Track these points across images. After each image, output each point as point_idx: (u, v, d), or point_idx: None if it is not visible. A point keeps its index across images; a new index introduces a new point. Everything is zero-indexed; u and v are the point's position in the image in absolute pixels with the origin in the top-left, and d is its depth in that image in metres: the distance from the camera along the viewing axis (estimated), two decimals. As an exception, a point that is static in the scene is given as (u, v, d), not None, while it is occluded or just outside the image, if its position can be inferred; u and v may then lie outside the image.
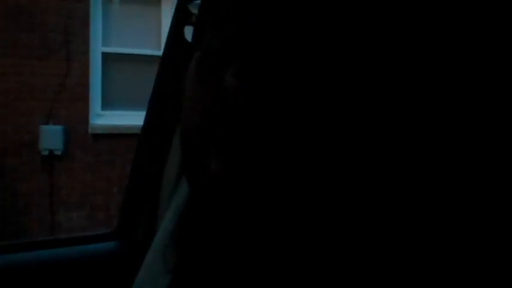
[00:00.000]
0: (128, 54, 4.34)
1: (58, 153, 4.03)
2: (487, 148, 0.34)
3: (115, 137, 4.17)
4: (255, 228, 0.37)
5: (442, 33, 0.34)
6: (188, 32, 0.41)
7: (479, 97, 0.34)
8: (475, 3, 0.34)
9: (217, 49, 0.35)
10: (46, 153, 3.99)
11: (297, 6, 0.33)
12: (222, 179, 0.34)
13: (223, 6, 0.35)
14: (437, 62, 0.34)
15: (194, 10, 0.39)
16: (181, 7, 0.38)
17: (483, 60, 0.34)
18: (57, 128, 4.02)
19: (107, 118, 4.27)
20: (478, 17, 0.34)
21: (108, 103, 4.32)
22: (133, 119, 3.97)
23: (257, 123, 0.33)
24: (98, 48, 4.24)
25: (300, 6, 0.33)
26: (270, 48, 0.33)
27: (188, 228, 0.44)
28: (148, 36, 4.37)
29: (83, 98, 4.13)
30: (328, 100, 0.33)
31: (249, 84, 0.33)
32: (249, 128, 0.33)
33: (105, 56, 4.30)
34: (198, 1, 0.39)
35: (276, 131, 0.33)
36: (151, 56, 4.21)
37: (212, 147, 0.34)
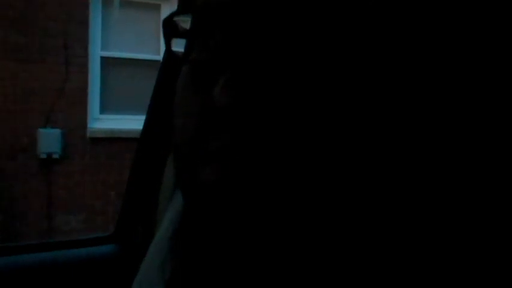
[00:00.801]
0: (127, 59, 4.34)
1: (56, 156, 4.02)
2: (487, 148, 0.34)
3: (113, 141, 4.16)
4: (250, 238, 0.37)
5: (442, 34, 0.34)
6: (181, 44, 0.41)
7: (479, 97, 0.34)
8: (475, 3, 0.34)
9: (206, 62, 0.35)
10: (44, 156, 3.98)
11: (288, 17, 0.33)
12: (214, 190, 0.34)
13: (212, 20, 0.35)
14: (438, 62, 0.34)
15: (186, 21, 0.39)
16: (168, 20, 0.38)
17: (483, 60, 0.34)
18: (55, 132, 4.01)
19: (105, 122, 4.26)
20: (478, 17, 0.34)
21: (106, 107, 4.31)
22: (132, 123, 3.97)
23: (247, 135, 0.33)
24: (96, 52, 4.24)
25: (292, 17, 0.34)
26: (259, 60, 0.33)
27: (184, 237, 0.44)
28: (148, 41, 4.37)
29: (82, 102, 4.13)
30: (320, 108, 0.33)
31: (237, 97, 0.33)
32: (240, 140, 0.33)
33: (104, 60, 4.29)
34: (188, 14, 0.38)
35: (266, 142, 0.33)
36: (150, 60, 4.21)
37: (202, 159, 0.35)
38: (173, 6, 4.10)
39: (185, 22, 0.39)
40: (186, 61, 0.38)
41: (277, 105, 0.33)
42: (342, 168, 0.35)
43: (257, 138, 0.33)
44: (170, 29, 0.39)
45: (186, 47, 0.38)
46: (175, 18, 0.39)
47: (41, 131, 3.97)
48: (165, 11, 4.34)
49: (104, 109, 4.30)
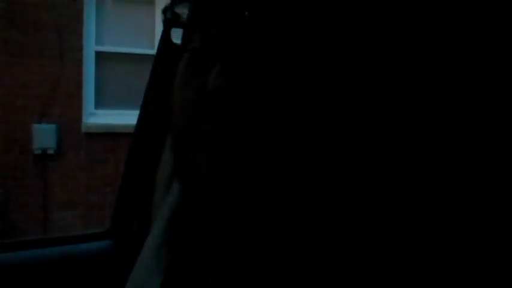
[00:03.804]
0: (122, 53, 4.33)
1: (51, 152, 4.00)
2: (487, 148, 0.34)
3: (108, 136, 4.15)
4: (246, 228, 0.37)
5: (442, 33, 0.34)
6: (178, 34, 0.42)
7: (479, 97, 0.34)
8: (475, 3, 0.34)
9: (204, 50, 0.36)
10: (39, 152, 3.96)
11: (285, 8, 0.33)
12: (211, 178, 0.34)
13: (211, 8, 0.36)
14: (438, 62, 0.34)
15: (185, 12, 0.40)
16: (168, 9, 0.39)
17: (483, 60, 0.34)
18: (50, 127, 4.00)
19: (100, 117, 4.25)
20: (478, 17, 0.34)
21: (101, 102, 4.30)
22: (127, 118, 3.95)
23: (242, 123, 0.33)
24: (91, 46, 4.22)
25: (289, 7, 0.34)
26: (256, 49, 0.33)
27: (180, 227, 0.44)
28: (142, 35, 4.35)
29: (76, 97, 4.11)
30: (315, 98, 0.33)
31: (232, 85, 0.33)
32: (235, 128, 0.33)
33: (99, 55, 4.28)
34: (187, 3, 0.39)
35: (261, 131, 0.33)
36: (145, 55, 4.20)
37: (200, 148, 0.35)
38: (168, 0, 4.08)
39: (182, 13, 0.39)
40: (186, 49, 0.38)
41: (273, 99, 0.33)
42: (336, 162, 0.35)
43: (248, 126, 0.33)
44: (170, 17, 0.39)
45: (185, 37, 0.39)
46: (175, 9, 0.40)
47: (36, 126, 3.95)
48: (160, 5, 4.32)
49: (99, 104, 4.29)
